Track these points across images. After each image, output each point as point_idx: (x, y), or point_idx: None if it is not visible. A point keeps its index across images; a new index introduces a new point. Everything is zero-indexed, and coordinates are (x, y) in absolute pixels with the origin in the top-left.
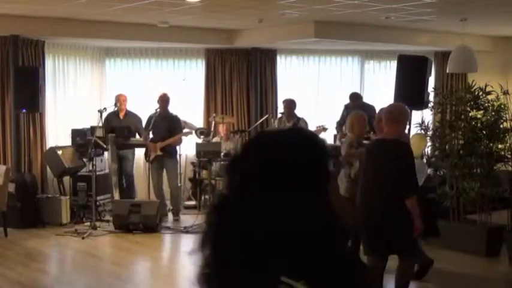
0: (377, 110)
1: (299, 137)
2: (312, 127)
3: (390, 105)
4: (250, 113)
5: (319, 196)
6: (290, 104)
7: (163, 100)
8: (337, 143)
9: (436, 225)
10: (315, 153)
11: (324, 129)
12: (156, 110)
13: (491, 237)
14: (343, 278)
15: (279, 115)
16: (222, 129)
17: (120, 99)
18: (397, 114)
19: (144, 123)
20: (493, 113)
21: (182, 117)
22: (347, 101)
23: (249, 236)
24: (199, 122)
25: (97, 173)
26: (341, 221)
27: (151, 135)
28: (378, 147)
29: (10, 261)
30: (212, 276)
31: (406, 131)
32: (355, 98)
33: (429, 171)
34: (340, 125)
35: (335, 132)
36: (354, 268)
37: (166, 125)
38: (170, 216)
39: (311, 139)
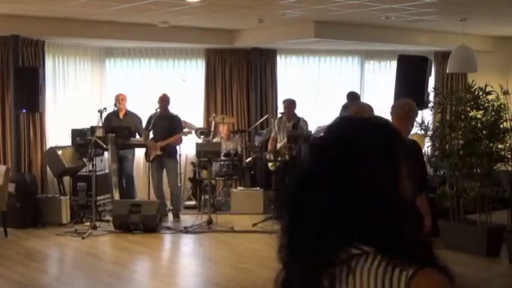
0: (375, 110)
1: (378, 124)
2: (312, 128)
3: (404, 101)
4: (250, 113)
5: (393, 178)
6: (290, 104)
7: (163, 100)
8: None
9: (436, 225)
10: (390, 140)
11: None
12: (156, 110)
13: (491, 237)
14: (412, 252)
15: (279, 115)
16: (222, 129)
17: (119, 99)
18: (408, 111)
19: (144, 123)
20: (493, 113)
21: (182, 117)
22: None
23: (330, 205)
24: (199, 122)
25: (97, 173)
26: (410, 202)
27: (151, 135)
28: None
29: (10, 261)
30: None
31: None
32: (353, 97)
33: (429, 171)
34: None
35: None
36: (423, 243)
37: (167, 125)
38: (170, 216)
39: (388, 126)
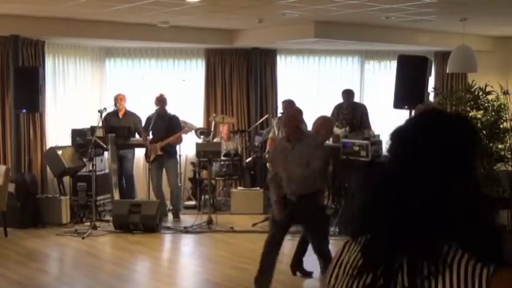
0: (368, 109)
1: (460, 121)
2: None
3: (426, 107)
4: (250, 113)
5: (472, 172)
6: (290, 105)
7: (160, 101)
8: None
9: None
10: (470, 137)
11: None
12: (156, 110)
13: None
14: (489, 244)
15: (279, 115)
16: (222, 129)
17: (118, 99)
18: None
19: (143, 124)
20: (493, 113)
21: (182, 117)
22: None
23: (411, 200)
24: (199, 122)
25: (97, 173)
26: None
27: (150, 136)
28: None
29: (10, 261)
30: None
31: None
32: (349, 93)
33: None
34: None
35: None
36: (499, 236)
37: (165, 125)
38: (170, 216)
39: (469, 123)
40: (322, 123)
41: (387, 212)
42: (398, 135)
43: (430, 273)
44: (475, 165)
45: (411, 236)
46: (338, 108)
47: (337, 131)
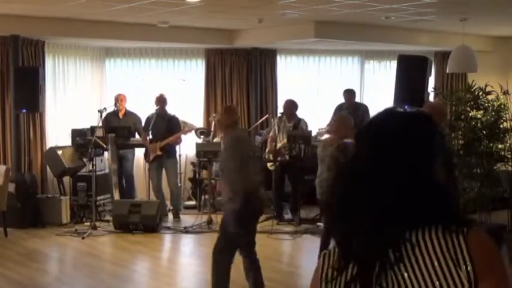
0: (370, 110)
1: (419, 116)
2: (312, 129)
3: (434, 104)
4: (250, 113)
5: (433, 159)
6: (290, 105)
7: (160, 101)
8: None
9: None
10: (430, 131)
11: (328, 132)
12: (156, 110)
13: (491, 237)
14: (458, 216)
15: (279, 114)
16: None
17: (118, 99)
18: (442, 111)
19: (143, 124)
20: (493, 113)
21: (182, 117)
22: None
23: (380, 196)
24: (199, 122)
25: (97, 173)
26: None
27: (150, 136)
28: None
29: (10, 261)
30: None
31: None
32: (350, 93)
33: None
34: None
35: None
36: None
37: (165, 125)
38: (170, 216)
39: (428, 119)
40: (341, 123)
41: (359, 203)
42: (370, 128)
43: (396, 259)
44: (435, 152)
45: (377, 226)
46: (340, 108)
47: None
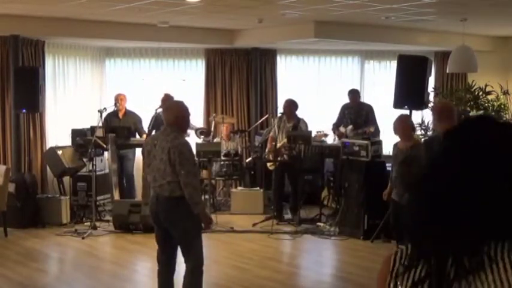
0: (375, 109)
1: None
2: (312, 130)
3: (440, 104)
4: (250, 113)
5: None
6: (290, 105)
7: (164, 101)
8: (336, 142)
9: None
10: None
11: (325, 135)
12: (156, 110)
13: None
14: None
15: (279, 114)
16: (223, 129)
17: (118, 99)
18: (450, 111)
19: (143, 123)
20: (493, 113)
21: None
22: (347, 101)
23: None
24: (199, 122)
25: (97, 173)
26: None
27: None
28: (439, 143)
29: (10, 261)
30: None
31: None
32: (354, 93)
33: None
34: (336, 126)
35: (331, 132)
36: None
37: None
38: None
39: None
40: (399, 125)
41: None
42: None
43: (470, 268)
44: None
45: (458, 233)
46: (344, 108)
47: (342, 129)
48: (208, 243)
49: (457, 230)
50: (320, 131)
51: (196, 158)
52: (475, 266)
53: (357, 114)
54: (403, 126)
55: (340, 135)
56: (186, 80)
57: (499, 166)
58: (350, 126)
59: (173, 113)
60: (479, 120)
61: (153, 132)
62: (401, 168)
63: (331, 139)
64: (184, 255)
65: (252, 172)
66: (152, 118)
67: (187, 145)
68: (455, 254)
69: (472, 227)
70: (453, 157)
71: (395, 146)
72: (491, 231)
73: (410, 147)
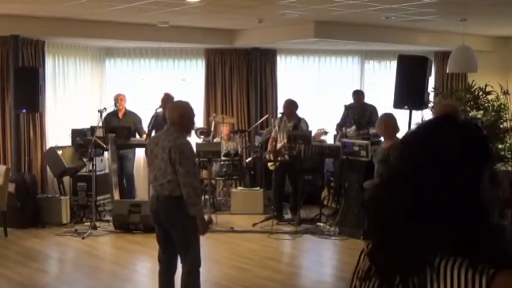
0: (379, 110)
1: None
2: (312, 129)
3: (445, 105)
4: (250, 113)
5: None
6: (290, 105)
7: (164, 101)
8: (337, 143)
9: None
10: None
11: (325, 132)
12: (156, 110)
13: None
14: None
15: (279, 114)
16: (223, 129)
17: (118, 99)
18: (455, 113)
19: (143, 123)
20: (493, 113)
21: None
22: (347, 101)
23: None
24: (199, 122)
25: (97, 173)
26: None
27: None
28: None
29: (10, 261)
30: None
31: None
32: (358, 94)
33: None
34: (340, 126)
35: (335, 133)
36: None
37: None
38: None
39: (482, 132)
40: (381, 124)
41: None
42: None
43: (419, 283)
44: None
45: (408, 246)
46: (348, 108)
47: (345, 130)
48: (208, 243)
49: (405, 244)
50: (321, 129)
51: (196, 158)
52: (422, 281)
53: (360, 114)
54: (385, 125)
55: (343, 136)
56: (186, 80)
57: (447, 171)
58: (353, 127)
59: (178, 112)
60: (437, 125)
61: (153, 132)
62: (380, 168)
63: (331, 137)
64: (181, 256)
65: (252, 172)
66: (152, 118)
67: (188, 145)
68: (401, 274)
69: (418, 242)
70: (406, 165)
71: (381, 144)
72: (441, 244)
73: (388, 147)
